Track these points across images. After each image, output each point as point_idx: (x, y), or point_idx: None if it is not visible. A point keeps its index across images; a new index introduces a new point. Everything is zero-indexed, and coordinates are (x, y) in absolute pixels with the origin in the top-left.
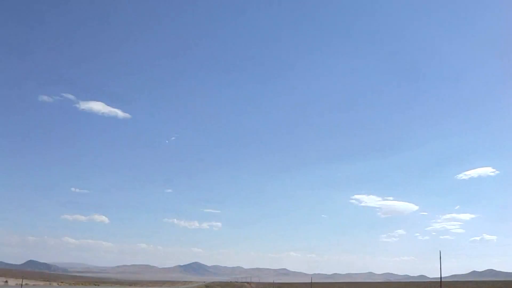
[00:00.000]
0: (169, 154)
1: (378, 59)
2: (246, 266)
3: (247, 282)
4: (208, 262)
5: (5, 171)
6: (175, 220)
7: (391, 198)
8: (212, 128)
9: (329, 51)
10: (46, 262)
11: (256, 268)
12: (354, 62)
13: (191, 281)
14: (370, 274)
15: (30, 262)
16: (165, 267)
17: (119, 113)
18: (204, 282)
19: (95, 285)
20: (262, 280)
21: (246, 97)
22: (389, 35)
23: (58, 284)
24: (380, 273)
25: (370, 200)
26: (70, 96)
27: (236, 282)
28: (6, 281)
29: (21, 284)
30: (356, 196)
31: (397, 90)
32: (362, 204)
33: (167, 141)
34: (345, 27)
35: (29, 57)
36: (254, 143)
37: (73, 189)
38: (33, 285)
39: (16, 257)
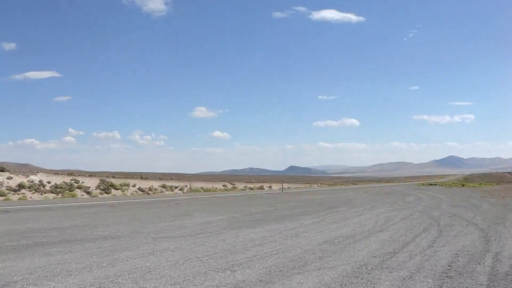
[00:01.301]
0: (408, 51)
1: None
2: (505, 156)
3: (509, 173)
4: (464, 155)
5: (245, 92)
6: (425, 116)
7: None
8: (453, 20)
9: None
10: (306, 166)
11: None
12: None
13: (448, 174)
14: None
15: (292, 168)
16: (421, 162)
17: (353, 17)
18: (462, 174)
19: (353, 184)
20: None
21: None
22: None
23: (318, 185)
24: None
25: None
26: (302, 8)
27: (496, 173)
28: (270, 186)
29: (282, 188)
30: None
31: None
32: None
33: (405, 39)
34: None
35: None
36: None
37: (320, 96)
38: (295, 188)
39: (279, 164)
